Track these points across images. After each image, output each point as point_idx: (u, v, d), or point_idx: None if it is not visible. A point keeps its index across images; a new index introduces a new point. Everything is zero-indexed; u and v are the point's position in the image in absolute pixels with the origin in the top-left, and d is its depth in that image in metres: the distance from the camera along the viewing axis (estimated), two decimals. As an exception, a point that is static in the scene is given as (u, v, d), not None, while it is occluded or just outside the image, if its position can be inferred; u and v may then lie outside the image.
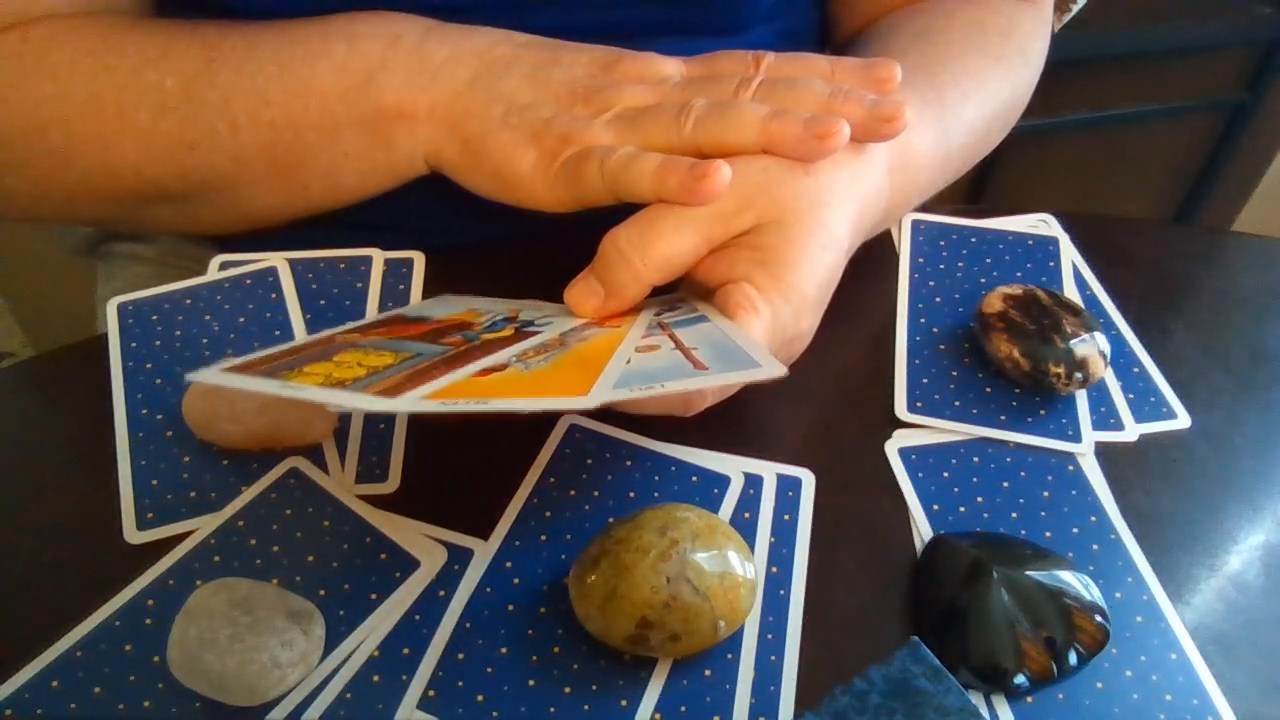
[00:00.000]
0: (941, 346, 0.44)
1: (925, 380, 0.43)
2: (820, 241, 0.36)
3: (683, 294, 0.39)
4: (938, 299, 0.46)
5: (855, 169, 0.38)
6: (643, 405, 0.34)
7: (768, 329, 0.34)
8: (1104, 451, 0.40)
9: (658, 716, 0.32)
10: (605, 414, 0.40)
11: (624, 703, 0.32)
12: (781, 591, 0.35)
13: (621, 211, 0.37)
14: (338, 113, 0.42)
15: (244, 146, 0.42)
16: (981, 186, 1.37)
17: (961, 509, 0.38)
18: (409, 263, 0.47)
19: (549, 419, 0.40)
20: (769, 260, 0.35)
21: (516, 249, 0.48)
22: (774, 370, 0.29)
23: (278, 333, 0.43)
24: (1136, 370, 0.44)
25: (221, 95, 0.41)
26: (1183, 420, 0.42)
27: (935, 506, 0.38)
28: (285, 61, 0.41)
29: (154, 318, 0.44)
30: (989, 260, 0.48)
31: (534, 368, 0.30)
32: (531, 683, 0.33)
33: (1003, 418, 0.41)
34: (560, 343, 0.33)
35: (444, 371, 0.28)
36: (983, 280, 0.47)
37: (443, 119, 0.41)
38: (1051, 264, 0.48)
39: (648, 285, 0.36)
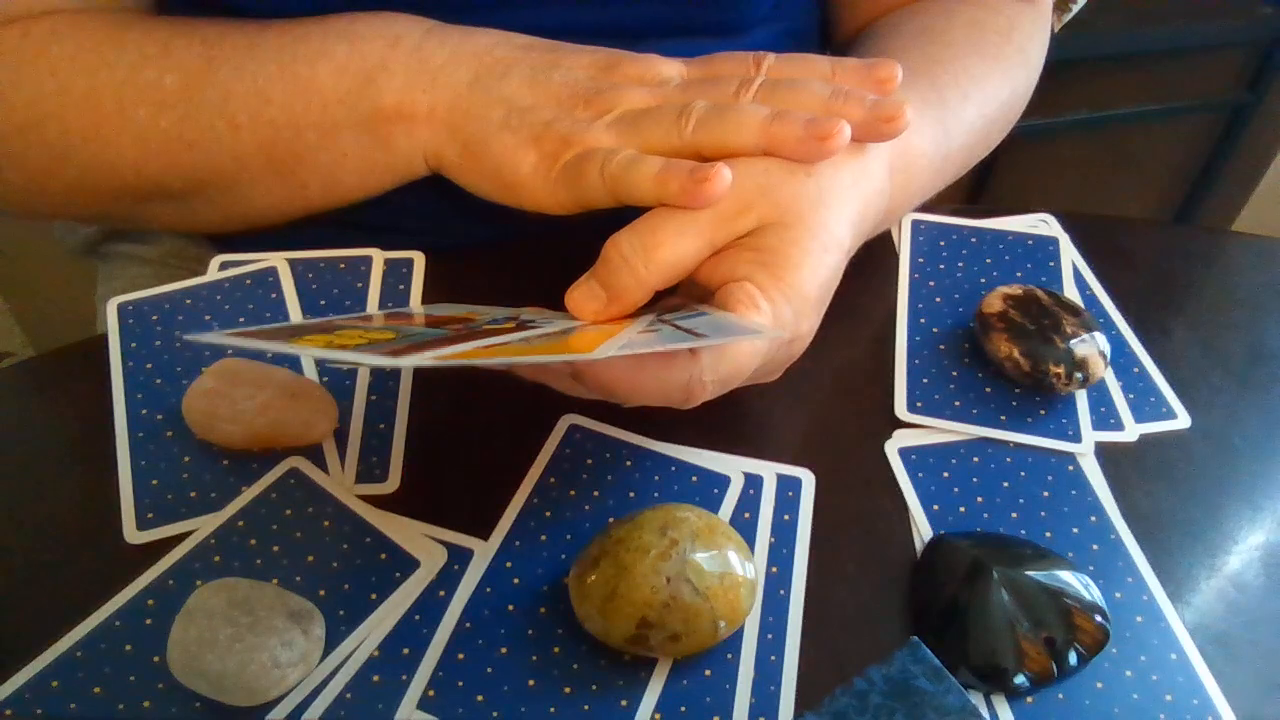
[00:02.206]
0: (941, 346, 0.44)
1: (925, 380, 0.43)
2: (822, 243, 0.36)
3: (682, 299, 0.39)
4: (938, 299, 0.46)
5: (856, 170, 0.38)
6: (644, 389, 0.33)
7: (769, 327, 0.34)
8: (1104, 451, 0.40)
9: (658, 716, 0.32)
10: (605, 413, 0.40)
11: (624, 703, 0.32)
12: (781, 591, 0.35)
13: (622, 213, 0.37)
14: (337, 113, 0.42)
15: (243, 145, 0.42)
16: (981, 186, 1.37)
17: (961, 509, 0.38)
18: (409, 263, 0.47)
19: (549, 417, 0.40)
20: (770, 261, 0.35)
21: (516, 249, 0.48)
22: (773, 333, 0.29)
23: (278, 333, 0.43)
24: (1136, 370, 0.44)
25: (221, 94, 0.41)
26: (1183, 420, 0.42)
27: (935, 506, 0.38)
28: (286, 61, 0.41)
29: (154, 318, 0.44)
30: (989, 260, 0.48)
31: (537, 345, 0.30)
32: (531, 683, 0.33)
33: (1003, 418, 0.41)
34: (562, 334, 0.33)
35: (447, 345, 0.28)
36: (983, 280, 0.47)
37: (443, 121, 0.41)
38: (1051, 264, 0.48)
39: (650, 289, 0.36)
